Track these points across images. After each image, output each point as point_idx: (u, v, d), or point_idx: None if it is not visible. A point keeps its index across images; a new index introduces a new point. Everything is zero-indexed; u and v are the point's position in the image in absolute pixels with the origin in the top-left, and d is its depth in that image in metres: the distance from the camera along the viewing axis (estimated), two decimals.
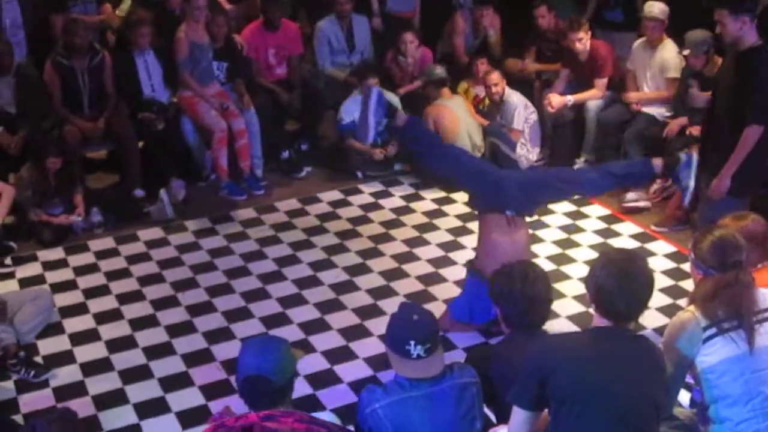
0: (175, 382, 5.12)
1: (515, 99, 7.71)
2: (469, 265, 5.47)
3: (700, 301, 3.58)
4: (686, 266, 5.85)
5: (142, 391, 5.05)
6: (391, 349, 3.48)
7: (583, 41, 7.54)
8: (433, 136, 5.86)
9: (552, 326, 3.73)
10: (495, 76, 7.68)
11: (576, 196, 6.60)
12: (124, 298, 6.00)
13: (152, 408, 4.92)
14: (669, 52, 7.26)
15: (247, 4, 8.75)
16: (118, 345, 5.48)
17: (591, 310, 3.30)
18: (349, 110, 7.70)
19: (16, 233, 6.70)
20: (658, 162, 5.22)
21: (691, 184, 5.16)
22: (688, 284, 5.59)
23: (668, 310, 5.54)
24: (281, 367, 3.17)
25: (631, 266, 3.28)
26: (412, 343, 3.36)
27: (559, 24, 8.07)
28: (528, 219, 5.39)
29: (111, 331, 5.63)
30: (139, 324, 5.70)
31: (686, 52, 6.86)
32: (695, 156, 5.17)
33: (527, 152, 7.73)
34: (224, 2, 8.43)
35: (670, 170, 5.23)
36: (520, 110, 7.66)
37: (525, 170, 7.00)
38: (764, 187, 5.76)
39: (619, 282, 3.23)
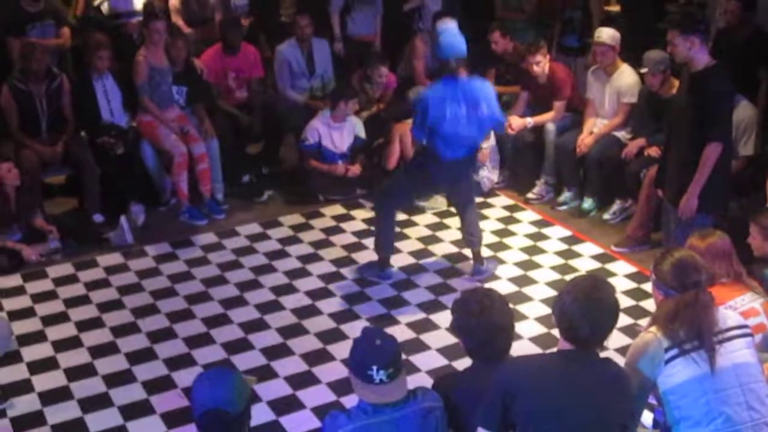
0: (136, 411, 5.05)
1: None
2: None
3: (661, 322, 3.60)
4: (647, 286, 5.93)
5: (102, 420, 4.97)
6: (353, 374, 3.46)
7: (541, 64, 7.60)
8: None
9: (514, 348, 3.73)
10: None
11: None
12: (84, 325, 5.93)
13: None
14: (626, 78, 7.34)
15: (206, 27, 8.73)
16: (77, 373, 5.41)
17: (554, 332, 3.32)
18: (315, 131, 7.72)
19: None
20: None
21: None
22: (649, 304, 5.63)
23: (630, 331, 5.58)
24: (236, 396, 3.18)
25: (596, 292, 3.30)
26: (375, 368, 3.34)
27: (517, 47, 8.14)
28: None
29: (70, 358, 5.56)
30: (98, 351, 5.63)
31: (644, 70, 6.95)
32: None
33: (488, 173, 7.78)
34: (183, 26, 8.41)
35: None
36: None
37: None
38: (730, 203, 5.82)
39: (583, 307, 3.25)
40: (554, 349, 3.52)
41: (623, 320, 5.78)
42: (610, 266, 6.62)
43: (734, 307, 4.21)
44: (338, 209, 7.67)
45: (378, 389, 3.37)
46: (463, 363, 3.98)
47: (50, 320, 5.99)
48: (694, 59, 5.36)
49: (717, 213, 5.65)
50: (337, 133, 7.78)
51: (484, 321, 3.59)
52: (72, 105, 7.41)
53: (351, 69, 8.64)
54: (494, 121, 6.21)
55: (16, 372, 5.41)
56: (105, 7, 8.34)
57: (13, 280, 6.48)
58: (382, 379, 3.36)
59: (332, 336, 5.74)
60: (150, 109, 7.41)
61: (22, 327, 5.88)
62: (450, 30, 6.11)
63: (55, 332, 5.85)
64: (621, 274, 6.49)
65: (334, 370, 5.36)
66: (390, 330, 5.67)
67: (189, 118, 7.65)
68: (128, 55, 7.58)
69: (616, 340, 5.42)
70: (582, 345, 3.30)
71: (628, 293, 6.20)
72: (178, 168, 7.33)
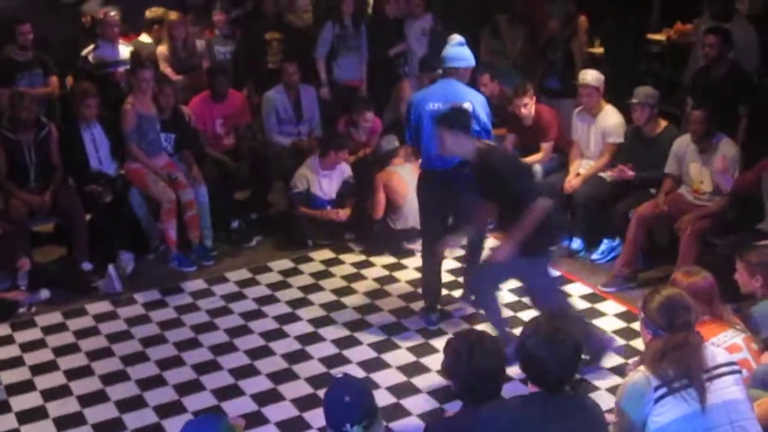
0: None
1: None
2: None
3: (649, 361, 3.61)
4: (637, 325, 5.92)
5: None
6: (329, 428, 3.45)
7: (527, 106, 7.67)
8: None
9: (505, 389, 3.72)
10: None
11: None
12: (73, 374, 5.89)
13: None
14: (610, 118, 7.42)
15: (193, 75, 8.79)
16: (67, 422, 5.36)
17: None
18: (303, 178, 7.76)
19: None
20: None
21: None
22: (640, 343, 5.61)
23: (620, 370, 5.59)
24: None
25: (559, 334, 3.29)
26: (348, 425, 3.33)
27: (504, 91, 8.21)
28: None
29: (59, 408, 5.51)
30: (88, 400, 5.59)
31: (634, 100, 7.02)
32: None
33: None
34: (171, 73, 8.47)
35: None
36: None
37: None
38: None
39: (550, 351, 3.24)
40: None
41: (614, 360, 5.79)
42: (600, 306, 6.63)
43: (717, 343, 4.23)
44: (327, 254, 7.68)
45: None
46: (455, 406, 3.98)
47: (39, 369, 5.96)
48: (464, 151, 5.57)
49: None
50: (326, 180, 7.82)
51: (474, 365, 3.58)
52: (60, 153, 7.42)
53: (337, 114, 8.71)
54: (480, 125, 6.09)
55: (5, 422, 5.37)
56: (92, 57, 8.39)
57: (2, 330, 6.45)
58: None
59: (323, 381, 5.70)
60: (138, 156, 7.43)
61: (10, 376, 5.85)
62: (460, 41, 6.18)
63: (44, 381, 5.81)
64: (611, 314, 6.50)
65: None
66: (381, 373, 5.70)
67: (177, 165, 7.67)
68: (115, 104, 7.62)
69: (606, 380, 5.48)
70: (553, 387, 3.28)
71: (618, 332, 6.21)
72: (167, 215, 7.33)
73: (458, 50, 6.17)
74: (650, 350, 3.67)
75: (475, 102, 6.12)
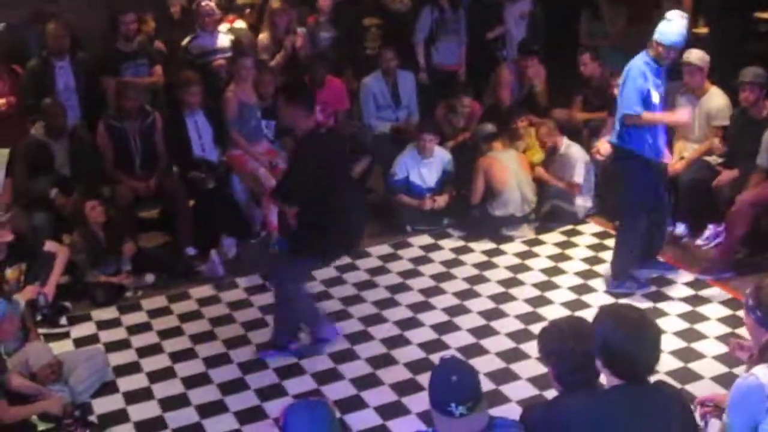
0: None
1: (575, 152, 7.72)
2: None
3: None
4: (742, 313, 5.76)
5: None
6: (433, 407, 3.44)
7: None
8: None
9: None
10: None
11: None
12: (177, 357, 6.04)
13: None
14: (716, 100, 7.21)
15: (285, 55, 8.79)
16: (171, 403, 5.51)
17: None
18: (403, 166, 7.77)
19: (70, 293, 6.79)
20: None
21: None
22: (745, 332, 5.47)
23: (725, 359, 5.46)
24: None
25: (642, 322, 3.18)
26: (453, 405, 3.32)
27: (604, 72, 8.07)
28: None
29: (164, 389, 5.66)
30: (191, 382, 5.72)
31: (743, 79, 6.81)
32: None
33: (584, 201, 7.76)
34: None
35: None
36: (581, 165, 7.65)
37: None
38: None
39: (639, 343, 3.12)
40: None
41: (719, 348, 5.66)
42: (704, 292, 6.47)
43: None
44: (426, 239, 7.68)
45: (458, 423, 3.34)
46: (554, 393, 3.93)
47: (145, 351, 6.13)
48: (298, 125, 5.65)
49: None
50: (426, 169, 7.82)
51: (579, 347, 3.53)
52: (165, 141, 7.58)
53: (435, 100, 8.68)
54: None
55: (113, 402, 5.54)
56: (191, 46, 8.49)
57: (110, 313, 6.65)
58: (462, 413, 3.34)
59: (421, 366, 5.71)
60: (239, 143, 7.54)
61: (118, 358, 6.02)
62: (668, 17, 6.09)
63: (150, 363, 5.97)
64: (716, 301, 6.34)
65: (424, 401, 5.26)
66: (479, 359, 5.67)
67: (278, 152, 7.76)
68: (216, 92, 7.73)
69: (712, 368, 5.36)
70: (641, 378, 3.19)
71: (723, 320, 6.06)
72: (268, 201, 7.42)
73: (661, 25, 6.12)
74: None
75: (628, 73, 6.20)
